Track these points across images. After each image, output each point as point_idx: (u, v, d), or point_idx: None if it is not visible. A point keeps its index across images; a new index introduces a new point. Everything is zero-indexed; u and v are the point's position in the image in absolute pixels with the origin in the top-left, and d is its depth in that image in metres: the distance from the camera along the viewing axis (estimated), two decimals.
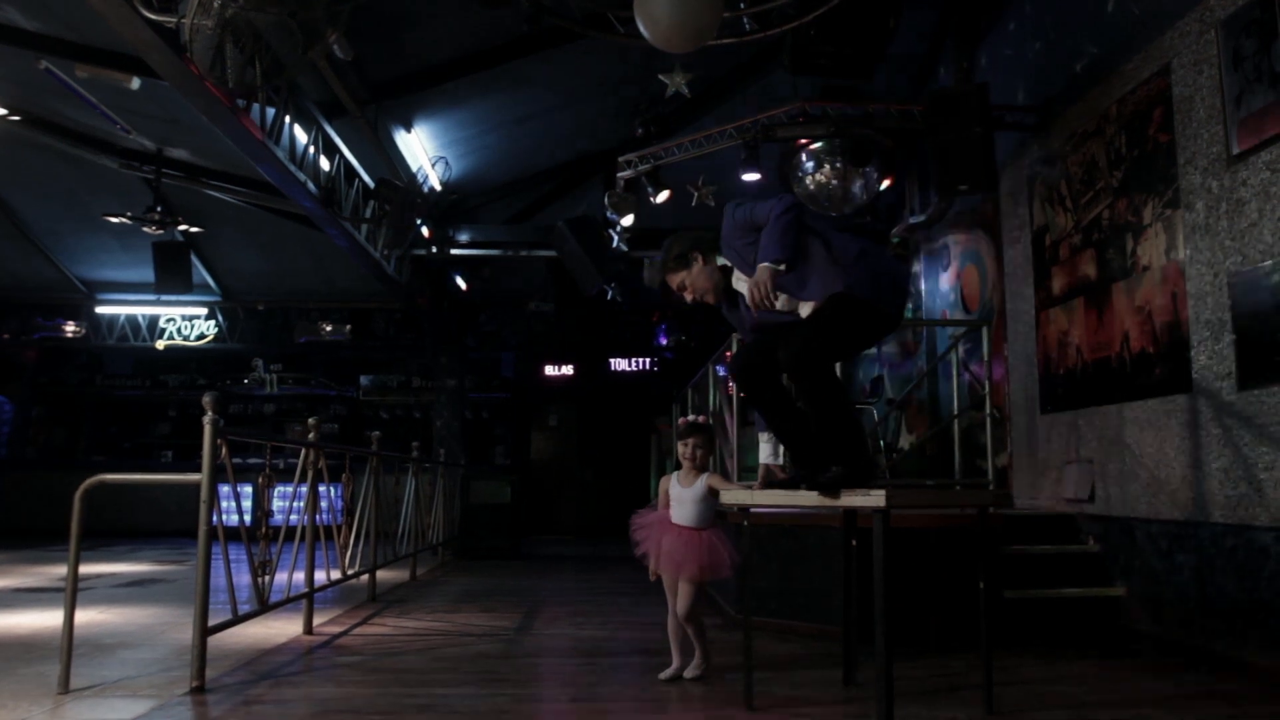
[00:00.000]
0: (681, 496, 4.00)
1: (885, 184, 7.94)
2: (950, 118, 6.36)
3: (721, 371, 7.49)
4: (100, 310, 14.04)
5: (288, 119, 6.87)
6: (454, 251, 10.37)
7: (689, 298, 3.89)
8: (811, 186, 8.05)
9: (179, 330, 14.26)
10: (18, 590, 7.00)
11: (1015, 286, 6.85)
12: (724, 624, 5.36)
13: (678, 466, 4.17)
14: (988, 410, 6.54)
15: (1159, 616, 5.00)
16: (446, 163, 8.74)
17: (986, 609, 3.67)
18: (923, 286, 9.07)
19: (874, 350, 10.84)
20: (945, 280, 8.57)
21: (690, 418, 4.34)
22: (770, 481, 3.75)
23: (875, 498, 3.16)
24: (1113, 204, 5.58)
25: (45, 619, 5.49)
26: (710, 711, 3.49)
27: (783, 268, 3.42)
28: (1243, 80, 4.47)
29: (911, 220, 9.04)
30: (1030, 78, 6.77)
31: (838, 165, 7.91)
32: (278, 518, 4.97)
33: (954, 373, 6.93)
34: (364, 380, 14.91)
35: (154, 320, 14.20)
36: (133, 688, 3.83)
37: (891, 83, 8.47)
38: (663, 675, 4.02)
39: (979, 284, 7.82)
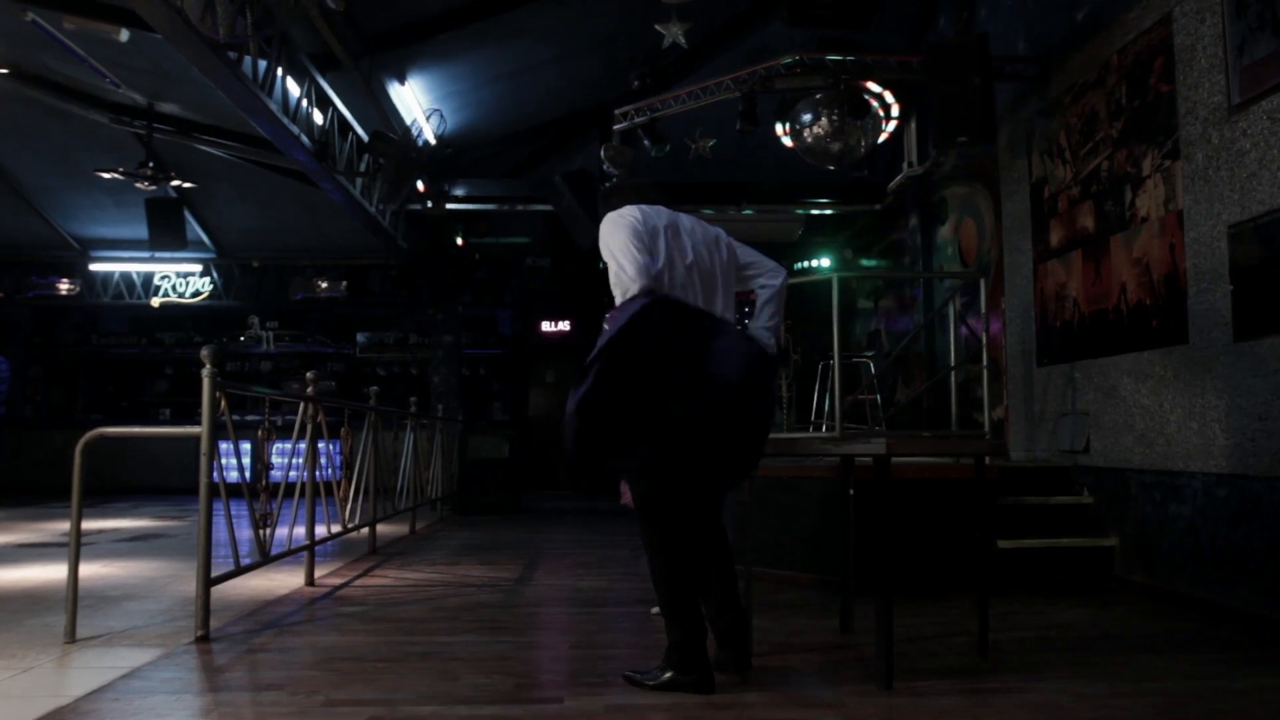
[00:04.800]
0: None
1: (883, 137, 7.88)
2: (949, 69, 6.30)
3: None
4: (94, 268, 13.96)
5: (280, 71, 6.79)
6: (449, 207, 10.31)
7: None
8: (809, 139, 7.99)
9: (174, 288, 14.20)
10: (20, 545, 7.05)
11: (1013, 239, 6.84)
12: None
13: None
14: (984, 363, 6.57)
15: (1152, 566, 5.06)
16: (441, 116, 8.66)
17: (981, 558, 3.71)
18: (920, 241, 9.05)
19: (871, 304, 10.86)
20: (943, 233, 8.56)
21: None
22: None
23: (876, 446, 3.19)
24: (1112, 155, 5.55)
25: (49, 573, 5.54)
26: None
27: None
28: (1245, 29, 4.42)
29: (909, 173, 8.99)
30: (1031, 28, 6.70)
31: (835, 117, 7.85)
32: (277, 473, 5.00)
33: (951, 326, 6.94)
34: (361, 337, 14.89)
35: (148, 278, 14.14)
36: (139, 637, 3.88)
37: (890, 34, 8.37)
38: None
39: (977, 237, 7.81)
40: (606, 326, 3.04)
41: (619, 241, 3.12)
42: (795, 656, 3.60)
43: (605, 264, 3.18)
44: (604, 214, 3.30)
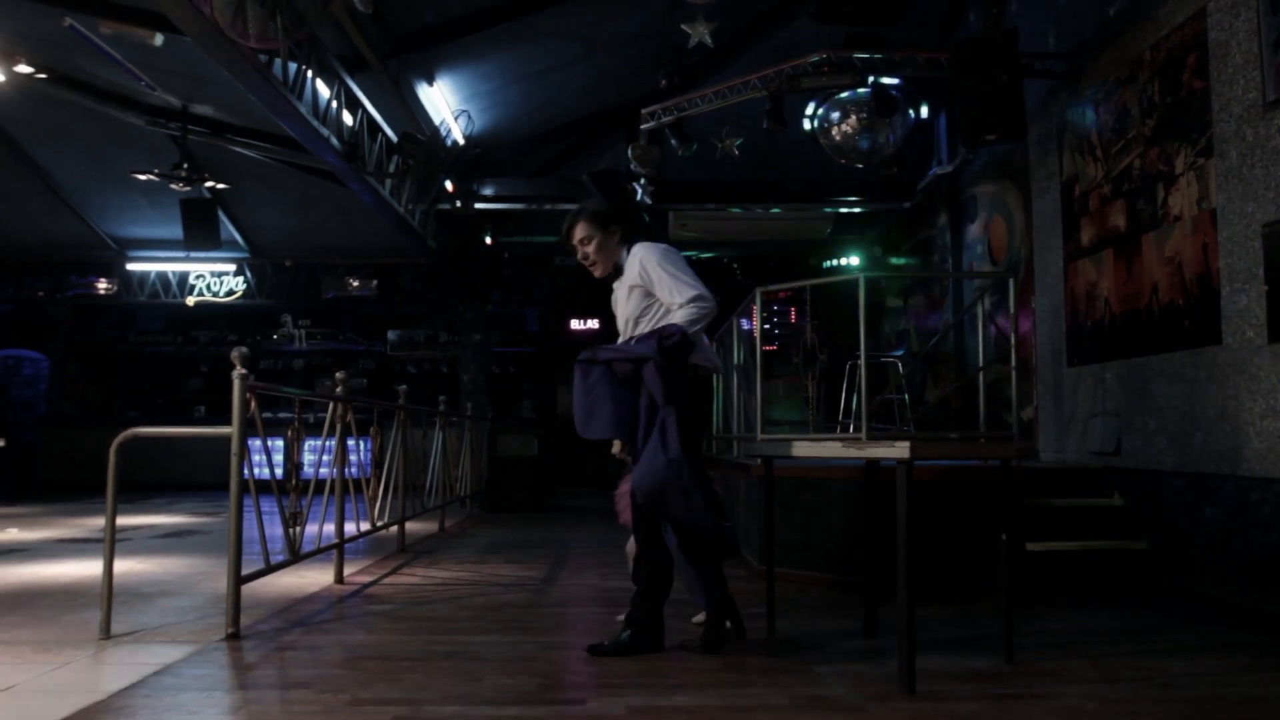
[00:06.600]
0: None
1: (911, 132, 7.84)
2: (978, 65, 6.24)
3: (745, 325, 7.49)
4: (131, 267, 14.20)
5: (309, 73, 6.86)
6: (478, 206, 10.37)
7: (580, 254, 3.91)
8: (837, 137, 7.96)
9: (208, 287, 14.41)
10: (59, 541, 7.19)
11: (1043, 238, 6.77)
12: (747, 575, 5.42)
13: None
14: (1013, 363, 6.51)
15: (1183, 569, 4.99)
16: (469, 116, 8.71)
17: (1008, 561, 3.68)
18: (949, 239, 8.98)
19: (900, 303, 10.78)
20: (973, 232, 8.48)
21: None
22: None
23: (899, 449, 3.17)
24: (1144, 153, 5.48)
25: (86, 568, 5.65)
26: (732, 659, 3.55)
27: None
28: None
29: (938, 171, 8.93)
30: (1061, 23, 6.62)
31: (863, 115, 7.81)
32: (308, 471, 5.06)
33: (980, 325, 6.89)
34: (391, 335, 15.03)
35: (184, 277, 14.37)
36: (171, 634, 3.95)
37: (918, 30, 8.31)
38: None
39: (1006, 235, 7.73)
40: (665, 342, 3.61)
41: (682, 265, 3.70)
42: (818, 658, 3.59)
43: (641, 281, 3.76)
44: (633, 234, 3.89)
